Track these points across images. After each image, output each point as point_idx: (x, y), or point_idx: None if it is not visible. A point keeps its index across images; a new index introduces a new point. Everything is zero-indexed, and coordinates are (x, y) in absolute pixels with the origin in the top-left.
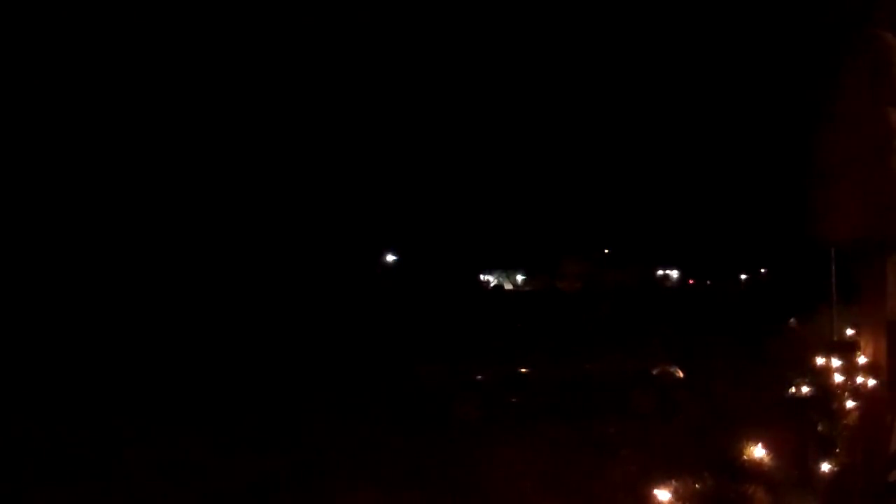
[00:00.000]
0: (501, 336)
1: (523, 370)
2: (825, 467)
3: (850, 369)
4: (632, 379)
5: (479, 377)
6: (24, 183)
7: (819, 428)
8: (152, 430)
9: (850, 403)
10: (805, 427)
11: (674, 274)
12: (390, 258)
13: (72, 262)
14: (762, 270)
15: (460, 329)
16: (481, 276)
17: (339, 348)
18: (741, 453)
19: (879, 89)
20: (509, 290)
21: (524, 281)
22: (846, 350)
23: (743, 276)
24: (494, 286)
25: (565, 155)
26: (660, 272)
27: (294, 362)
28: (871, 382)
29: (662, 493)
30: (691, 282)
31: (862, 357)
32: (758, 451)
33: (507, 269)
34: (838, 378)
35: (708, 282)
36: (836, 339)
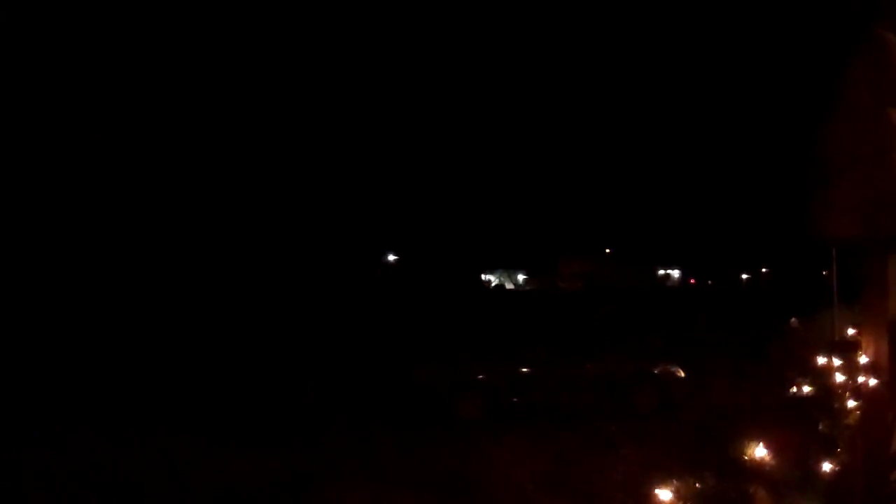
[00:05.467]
0: (502, 336)
1: (524, 370)
2: (826, 467)
3: (851, 369)
4: (633, 378)
5: (480, 377)
6: (24, 183)
7: (820, 428)
8: (150, 431)
9: (851, 403)
10: (806, 427)
11: (675, 273)
12: (391, 258)
13: (72, 263)
14: (763, 270)
15: (461, 329)
16: (482, 276)
17: (340, 348)
18: (743, 453)
19: (881, 89)
20: (510, 290)
21: (525, 280)
22: (847, 349)
23: (744, 276)
24: (495, 286)
25: (566, 155)
26: (661, 272)
27: (295, 363)
28: (873, 382)
29: (664, 493)
30: (692, 281)
31: (863, 356)
32: (759, 451)
33: (509, 268)
34: (839, 378)
35: (709, 281)
36: (837, 338)
